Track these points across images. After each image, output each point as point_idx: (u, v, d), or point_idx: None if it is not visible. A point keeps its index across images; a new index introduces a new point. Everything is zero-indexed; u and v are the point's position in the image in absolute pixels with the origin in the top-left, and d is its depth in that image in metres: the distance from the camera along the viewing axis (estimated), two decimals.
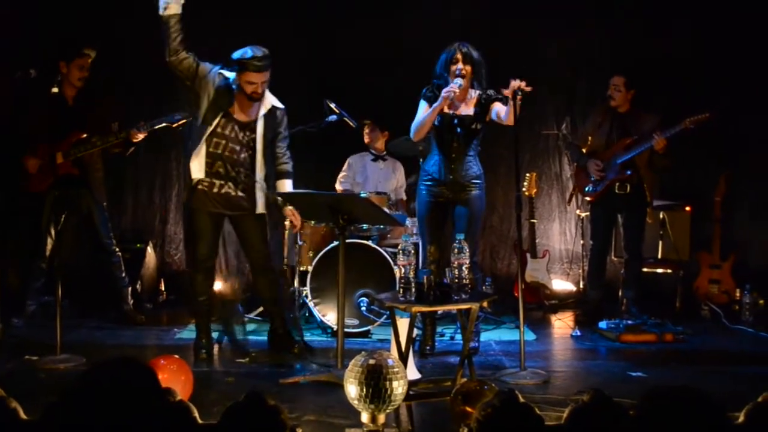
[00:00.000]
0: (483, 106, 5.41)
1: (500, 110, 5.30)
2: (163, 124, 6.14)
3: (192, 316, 5.86)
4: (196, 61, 5.10)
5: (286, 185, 5.47)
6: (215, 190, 5.25)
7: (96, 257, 6.57)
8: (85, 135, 6.18)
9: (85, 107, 6.30)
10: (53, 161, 5.98)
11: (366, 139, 7.40)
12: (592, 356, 5.67)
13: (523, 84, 4.89)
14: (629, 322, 6.10)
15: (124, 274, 6.62)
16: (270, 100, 5.32)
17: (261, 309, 6.64)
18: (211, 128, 5.16)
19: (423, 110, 5.43)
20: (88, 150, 6.18)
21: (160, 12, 4.92)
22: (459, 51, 5.30)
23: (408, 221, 6.50)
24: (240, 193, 5.31)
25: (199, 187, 5.23)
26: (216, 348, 5.56)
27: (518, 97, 4.91)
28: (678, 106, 6.87)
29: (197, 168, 5.19)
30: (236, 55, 5.11)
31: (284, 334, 5.54)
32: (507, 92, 4.98)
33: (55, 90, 5.53)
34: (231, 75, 5.20)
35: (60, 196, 5.92)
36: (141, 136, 6.17)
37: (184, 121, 5.93)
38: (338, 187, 7.29)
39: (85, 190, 6.32)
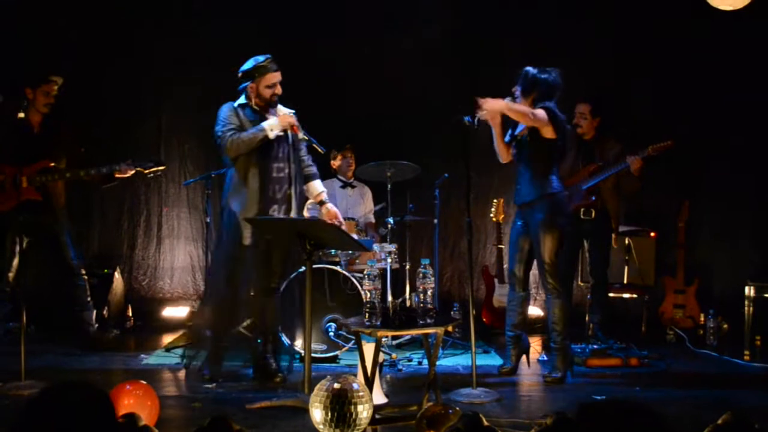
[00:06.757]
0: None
1: None
2: (138, 168, 6.19)
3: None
4: (236, 131, 5.27)
5: (318, 185, 5.69)
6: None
7: (62, 283, 6.51)
8: (53, 164, 6.17)
9: (52, 135, 6.30)
10: (17, 184, 5.98)
11: (335, 165, 7.41)
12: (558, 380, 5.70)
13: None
14: (595, 346, 6.17)
15: (89, 299, 6.56)
16: (282, 110, 5.48)
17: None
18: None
19: None
20: (55, 179, 6.19)
21: (270, 135, 5.23)
22: None
23: (375, 246, 6.52)
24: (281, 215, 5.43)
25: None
26: (183, 373, 5.57)
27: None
28: (639, 134, 7.00)
29: (253, 207, 5.31)
30: (246, 66, 5.31)
31: (271, 361, 5.51)
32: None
33: (21, 115, 5.53)
34: (240, 100, 5.37)
35: (24, 221, 5.90)
36: (126, 175, 6.21)
37: (157, 169, 6.04)
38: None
39: (50, 216, 6.30)
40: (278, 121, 5.30)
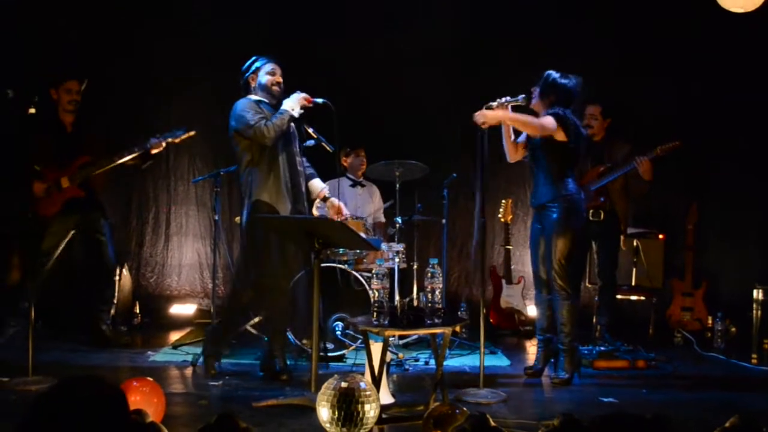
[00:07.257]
0: None
1: None
2: (169, 139, 6.22)
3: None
4: (265, 118, 5.32)
5: (319, 183, 5.81)
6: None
7: (92, 281, 6.57)
8: (90, 158, 6.23)
9: (85, 131, 6.41)
10: (59, 186, 6.10)
11: (346, 163, 7.39)
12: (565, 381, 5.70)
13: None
14: (602, 348, 6.16)
15: (116, 299, 6.62)
16: None
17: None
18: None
19: None
20: (95, 170, 6.24)
21: (295, 114, 5.34)
22: None
23: (383, 246, 6.51)
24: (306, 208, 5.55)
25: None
26: (190, 370, 5.58)
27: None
28: (648, 136, 6.99)
29: (284, 199, 5.39)
30: (250, 61, 5.48)
31: (279, 359, 5.49)
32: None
33: (32, 110, 5.53)
34: (252, 97, 5.43)
35: (69, 219, 6.14)
36: (160, 149, 6.26)
37: (188, 135, 6.14)
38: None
39: (98, 211, 6.44)
40: (294, 100, 5.36)
